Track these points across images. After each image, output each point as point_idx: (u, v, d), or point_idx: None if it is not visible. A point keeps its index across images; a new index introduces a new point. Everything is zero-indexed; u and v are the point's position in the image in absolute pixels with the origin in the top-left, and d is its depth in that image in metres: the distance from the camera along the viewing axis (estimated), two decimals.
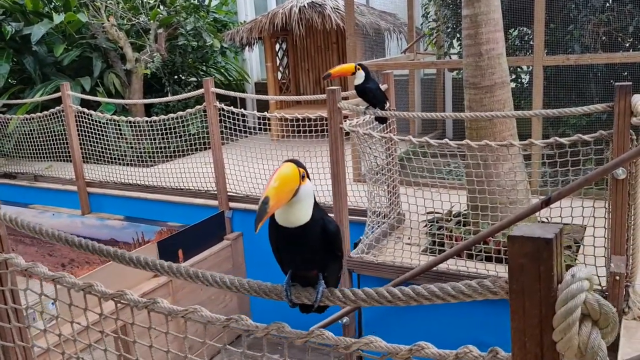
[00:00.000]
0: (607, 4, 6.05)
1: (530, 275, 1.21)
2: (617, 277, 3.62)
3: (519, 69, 7.15)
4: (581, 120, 6.22)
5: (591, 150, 3.86)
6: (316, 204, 1.57)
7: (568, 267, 4.05)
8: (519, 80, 7.27)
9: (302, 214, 1.52)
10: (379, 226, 5.09)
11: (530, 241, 1.20)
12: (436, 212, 4.89)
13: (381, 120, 4.82)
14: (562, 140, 3.81)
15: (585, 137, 3.70)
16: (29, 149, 8.74)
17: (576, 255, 4.34)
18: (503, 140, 4.33)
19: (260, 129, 7.83)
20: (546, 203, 3.83)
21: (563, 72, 6.17)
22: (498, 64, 4.66)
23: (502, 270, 4.25)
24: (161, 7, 9.91)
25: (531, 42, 5.95)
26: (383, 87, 5.28)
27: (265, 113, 6.39)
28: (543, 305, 1.22)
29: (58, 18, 9.03)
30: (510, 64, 6.66)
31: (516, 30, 7.04)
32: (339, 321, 4.84)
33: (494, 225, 4.18)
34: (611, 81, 4.75)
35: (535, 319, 1.23)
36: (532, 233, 1.21)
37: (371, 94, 4.60)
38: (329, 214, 1.65)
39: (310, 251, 1.58)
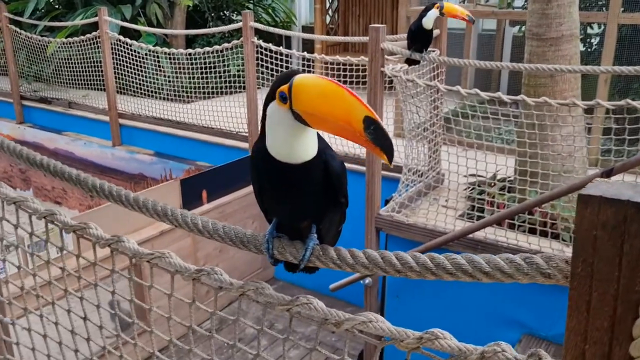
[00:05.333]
0: None
1: (607, 256, 0.80)
2: None
3: (588, 28, 6.45)
4: None
5: None
6: (318, 134, 1.20)
7: None
8: (587, 40, 6.58)
9: (310, 146, 1.16)
10: (414, 185, 4.67)
11: (613, 205, 0.78)
12: (479, 175, 4.44)
13: (412, 62, 4.40)
14: (635, 103, 3.29)
15: None
16: (67, 75, 8.57)
17: None
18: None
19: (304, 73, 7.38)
20: (607, 175, 3.35)
21: None
22: (568, 14, 4.08)
23: (546, 245, 3.80)
24: None
25: None
26: (435, 32, 4.84)
27: (305, 53, 5.95)
28: (621, 302, 0.81)
29: None
30: (580, 20, 5.99)
31: None
32: (361, 282, 4.50)
33: (542, 195, 3.73)
34: None
35: (606, 320, 0.83)
36: (618, 194, 0.79)
37: (430, 38, 4.29)
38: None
39: (307, 196, 1.21)
